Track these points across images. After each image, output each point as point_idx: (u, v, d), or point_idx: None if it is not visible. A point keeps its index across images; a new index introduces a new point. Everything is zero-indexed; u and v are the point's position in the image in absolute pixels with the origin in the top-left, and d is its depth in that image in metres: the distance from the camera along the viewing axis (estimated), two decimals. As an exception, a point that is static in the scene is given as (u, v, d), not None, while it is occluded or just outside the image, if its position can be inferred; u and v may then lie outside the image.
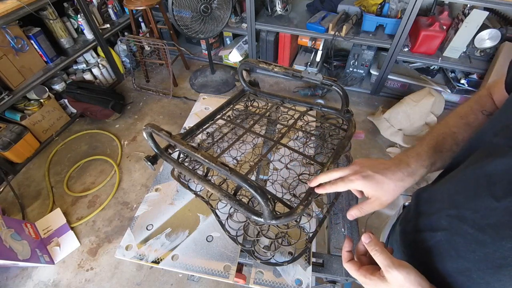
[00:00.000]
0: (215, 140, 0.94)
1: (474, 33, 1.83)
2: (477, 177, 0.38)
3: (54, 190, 1.82)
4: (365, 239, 0.44)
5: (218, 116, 0.94)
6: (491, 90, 0.49)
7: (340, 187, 0.52)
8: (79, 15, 2.10)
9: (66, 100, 2.14)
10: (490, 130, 0.40)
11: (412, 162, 0.49)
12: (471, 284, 0.39)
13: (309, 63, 2.41)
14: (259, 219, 0.57)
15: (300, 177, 0.82)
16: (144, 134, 0.67)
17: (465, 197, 0.39)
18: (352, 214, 0.53)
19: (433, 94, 1.96)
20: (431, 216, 0.46)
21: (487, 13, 1.73)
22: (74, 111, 2.23)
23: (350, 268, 0.46)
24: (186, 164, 0.80)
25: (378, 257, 0.41)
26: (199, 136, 0.94)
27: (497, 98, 0.47)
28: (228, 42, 2.74)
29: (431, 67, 2.34)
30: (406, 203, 0.63)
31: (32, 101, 1.95)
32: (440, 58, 1.99)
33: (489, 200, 0.35)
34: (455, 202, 0.41)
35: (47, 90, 2.00)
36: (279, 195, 0.77)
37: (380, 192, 0.49)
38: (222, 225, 0.75)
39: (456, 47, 1.93)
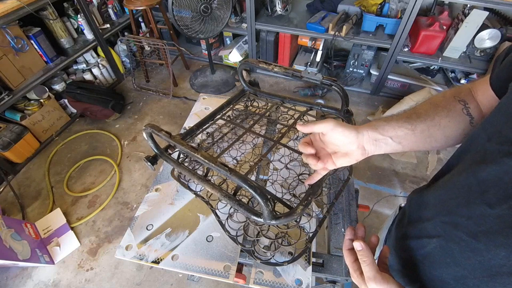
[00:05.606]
0: (215, 140, 0.94)
1: (474, 33, 1.83)
2: (469, 183, 0.37)
3: (54, 190, 1.82)
4: (357, 246, 0.46)
5: (218, 116, 0.94)
6: (473, 89, 0.48)
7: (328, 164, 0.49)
8: (79, 15, 2.10)
9: (66, 100, 2.14)
10: (483, 134, 0.39)
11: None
12: None
13: (309, 63, 2.41)
14: (259, 219, 0.57)
15: (300, 177, 0.82)
16: (144, 134, 0.67)
17: (457, 204, 0.39)
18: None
19: (433, 94, 1.96)
20: (426, 222, 0.46)
21: (487, 13, 1.72)
22: (74, 111, 2.23)
23: (347, 256, 0.49)
24: (186, 164, 0.80)
25: (365, 268, 0.44)
26: (199, 136, 0.94)
27: (481, 98, 0.46)
28: (228, 42, 2.74)
29: (431, 67, 2.34)
30: (403, 204, 0.63)
31: (32, 101, 1.95)
32: (440, 58, 1.99)
33: (483, 207, 0.34)
34: (448, 208, 0.41)
35: (47, 90, 2.00)
36: (279, 195, 0.77)
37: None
38: (222, 225, 0.75)
39: (456, 47, 1.93)
